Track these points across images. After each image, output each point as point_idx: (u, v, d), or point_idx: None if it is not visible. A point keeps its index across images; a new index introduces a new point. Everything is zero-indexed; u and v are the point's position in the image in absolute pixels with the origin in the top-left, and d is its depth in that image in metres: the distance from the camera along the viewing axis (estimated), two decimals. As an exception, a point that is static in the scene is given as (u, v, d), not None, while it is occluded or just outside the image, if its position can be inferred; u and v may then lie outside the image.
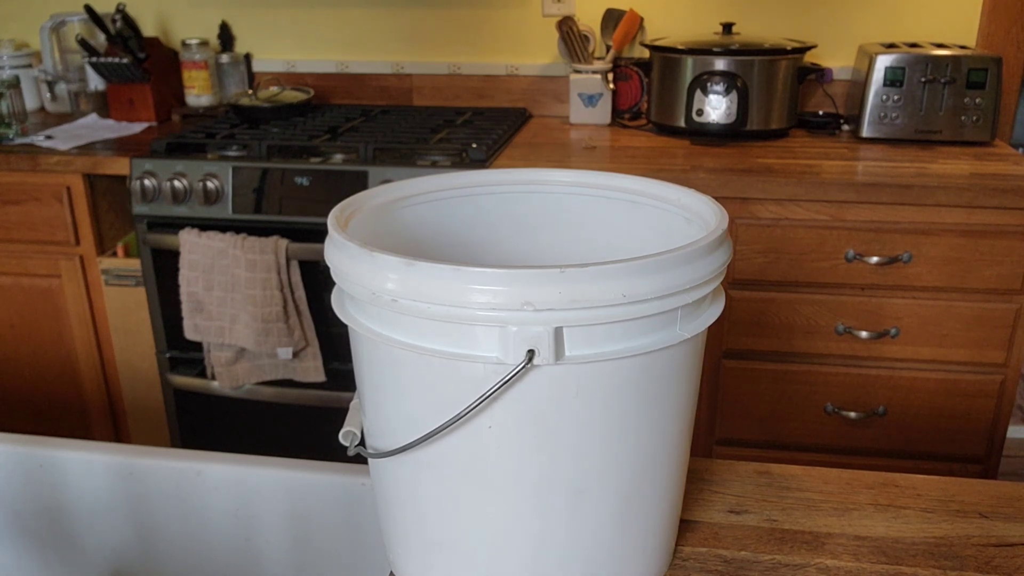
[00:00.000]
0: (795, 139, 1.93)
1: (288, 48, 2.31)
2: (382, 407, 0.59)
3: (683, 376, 0.58)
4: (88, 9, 2.09)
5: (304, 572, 1.22)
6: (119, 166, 1.80)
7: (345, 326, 0.58)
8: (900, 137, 1.85)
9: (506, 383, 0.51)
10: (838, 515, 0.72)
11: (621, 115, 2.15)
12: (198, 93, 2.23)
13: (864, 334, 1.66)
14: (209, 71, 2.23)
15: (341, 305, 0.60)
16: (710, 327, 0.58)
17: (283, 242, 1.71)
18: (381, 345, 0.56)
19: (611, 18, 2.11)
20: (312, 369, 1.82)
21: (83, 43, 2.05)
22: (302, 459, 1.19)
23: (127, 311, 1.92)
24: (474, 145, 1.75)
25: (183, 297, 1.77)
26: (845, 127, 1.99)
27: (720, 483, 0.77)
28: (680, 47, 1.89)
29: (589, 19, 2.14)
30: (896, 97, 1.82)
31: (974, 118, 1.80)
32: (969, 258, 1.59)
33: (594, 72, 2.07)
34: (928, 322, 1.64)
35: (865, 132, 1.87)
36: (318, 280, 1.77)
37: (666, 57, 1.93)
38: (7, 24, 2.41)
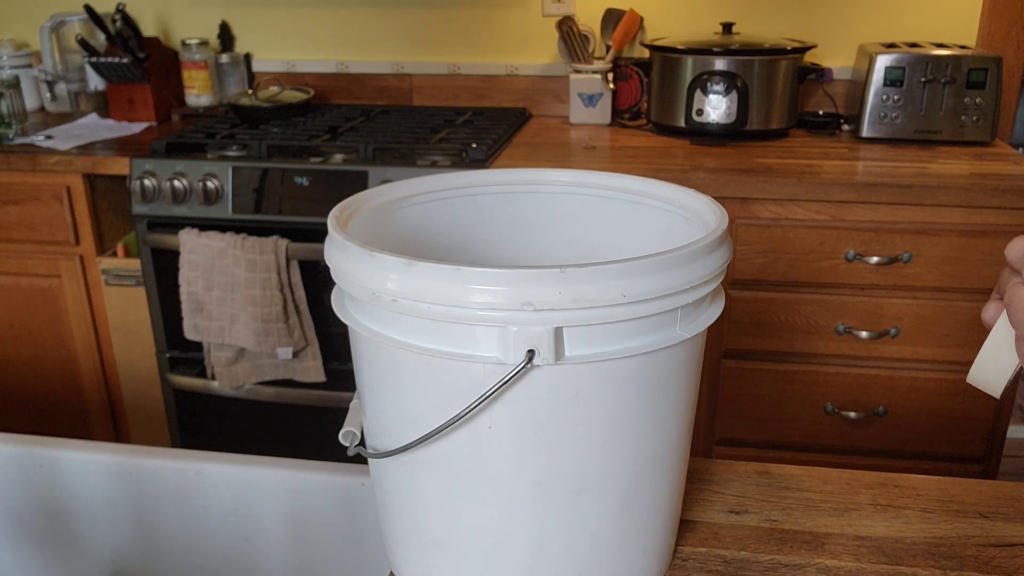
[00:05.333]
0: (795, 139, 1.93)
1: (288, 48, 2.31)
2: (382, 407, 0.59)
3: (683, 376, 0.58)
4: (88, 9, 2.09)
5: (304, 572, 1.22)
6: (119, 166, 1.80)
7: (345, 326, 0.58)
8: (900, 137, 1.85)
9: (506, 383, 0.51)
10: (838, 515, 0.72)
11: (621, 115, 2.15)
12: (198, 93, 2.23)
13: (864, 334, 1.66)
14: (209, 71, 2.23)
15: (341, 305, 0.60)
16: (710, 327, 0.58)
17: (283, 242, 1.71)
18: (381, 345, 0.56)
19: (611, 18, 2.11)
20: (312, 369, 1.82)
21: (83, 43, 2.05)
22: (302, 459, 1.19)
23: (127, 311, 1.92)
24: (474, 145, 1.75)
25: (183, 297, 1.77)
26: (845, 127, 1.99)
27: (720, 483, 0.77)
28: (680, 47, 1.89)
29: (589, 19, 2.14)
30: (896, 97, 1.82)
31: (974, 118, 1.80)
32: (969, 258, 1.59)
33: (594, 72, 2.07)
34: (928, 322, 1.64)
35: (865, 132, 1.87)
36: (318, 280, 1.77)
37: (666, 57, 1.93)
38: (7, 24, 2.41)
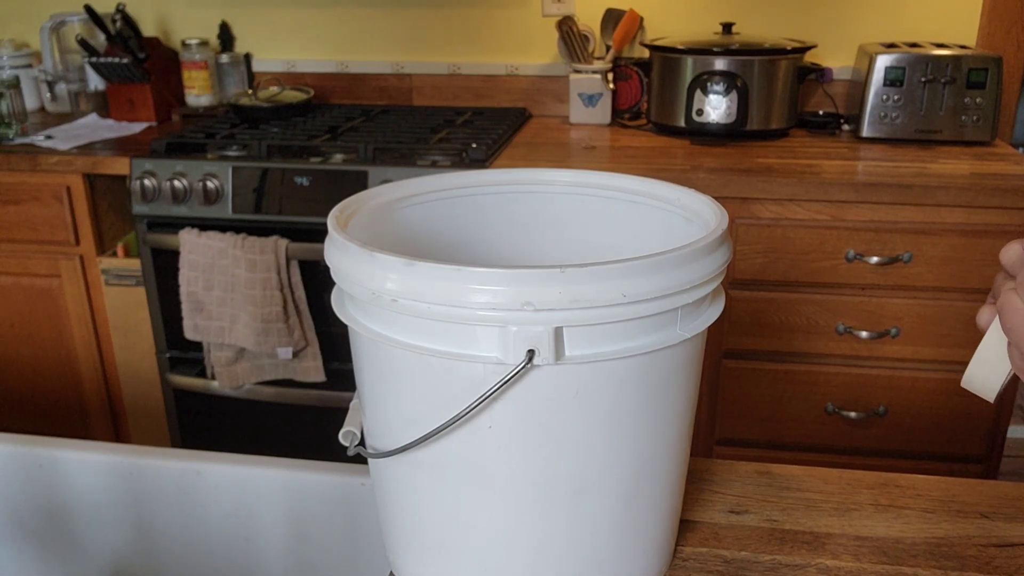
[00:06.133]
0: (795, 139, 1.93)
1: (288, 48, 2.31)
2: (382, 407, 0.59)
3: (683, 376, 0.58)
4: (88, 9, 2.09)
5: (304, 572, 1.22)
6: (119, 166, 1.80)
7: (345, 326, 0.58)
8: (900, 137, 1.85)
9: (506, 383, 0.51)
10: (838, 515, 0.72)
11: (621, 115, 2.15)
12: (198, 93, 2.23)
13: (864, 334, 1.66)
14: (209, 71, 2.23)
15: (341, 305, 0.60)
16: (710, 327, 0.58)
17: (283, 242, 1.71)
18: (381, 345, 0.55)
19: (611, 18, 2.11)
20: (312, 369, 1.82)
21: (83, 43, 2.05)
22: (302, 459, 1.19)
23: (127, 311, 1.92)
24: (474, 145, 1.75)
25: (183, 297, 1.77)
26: (845, 127, 1.99)
27: (720, 483, 0.77)
28: (680, 47, 1.89)
29: (589, 19, 2.14)
30: (896, 97, 1.82)
31: (974, 118, 1.80)
32: (969, 258, 1.59)
33: (594, 72, 2.07)
34: (928, 322, 1.64)
35: (865, 132, 1.87)
36: (318, 280, 1.77)
37: (666, 57, 1.93)
38: (7, 24, 2.41)
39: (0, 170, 1.86)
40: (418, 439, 0.55)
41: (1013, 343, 0.47)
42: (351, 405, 0.66)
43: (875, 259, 1.61)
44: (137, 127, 2.11)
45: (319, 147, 1.82)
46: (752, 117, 1.87)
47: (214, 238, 1.73)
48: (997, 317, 0.50)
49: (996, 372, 0.50)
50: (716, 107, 1.83)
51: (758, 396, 1.75)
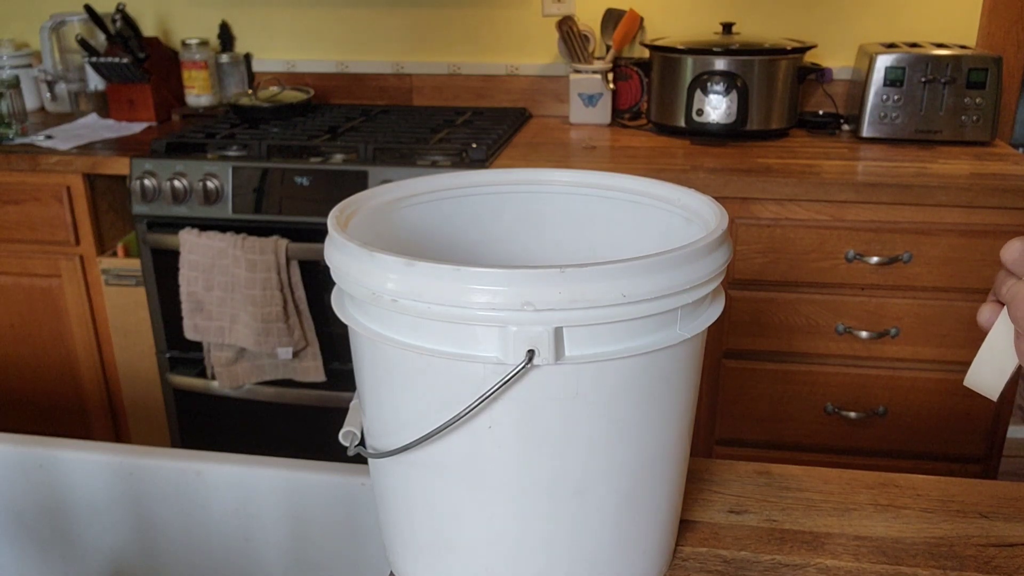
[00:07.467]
0: (795, 139, 1.93)
1: (288, 48, 2.31)
2: (382, 407, 0.59)
3: (683, 376, 0.58)
4: (88, 9, 2.09)
5: (304, 572, 1.22)
6: (119, 166, 1.80)
7: (345, 326, 0.58)
8: (900, 137, 1.85)
9: (506, 383, 0.51)
10: (838, 515, 0.72)
11: (621, 115, 2.15)
12: (198, 93, 2.23)
13: (864, 334, 1.66)
14: (209, 71, 2.23)
15: (341, 305, 0.60)
16: (710, 327, 0.58)
17: (283, 242, 1.71)
18: (381, 345, 0.55)
19: (611, 18, 2.11)
20: (312, 369, 1.82)
21: (83, 43, 2.05)
22: (302, 459, 1.19)
23: (127, 311, 1.92)
24: (474, 145, 1.75)
25: (183, 297, 1.77)
26: (845, 127, 1.99)
27: (720, 483, 0.77)
28: (680, 47, 1.89)
29: (589, 19, 2.14)
30: (896, 97, 1.82)
31: (974, 118, 1.80)
32: (969, 258, 1.59)
33: (594, 72, 2.07)
34: (928, 322, 1.64)
35: (865, 132, 1.87)
36: (318, 280, 1.77)
37: (666, 57, 1.93)
38: (7, 24, 2.41)
39: (0, 170, 1.86)
40: (418, 439, 0.55)
41: (1023, 333, 0.47)
42: (351, 405, 0.67)
43: (875, 259, 1.61)
44: (137, 127, 2.11)
45: (319, 147, 1.82)
46: (752, 117, 1.87)
47: (214, 238, 1.73)
48: (1003, 313, 0.50)
49: (1001, 368, 0.51)
50: (716, 107, 1.83)
51: (758, 396, 1.75)
